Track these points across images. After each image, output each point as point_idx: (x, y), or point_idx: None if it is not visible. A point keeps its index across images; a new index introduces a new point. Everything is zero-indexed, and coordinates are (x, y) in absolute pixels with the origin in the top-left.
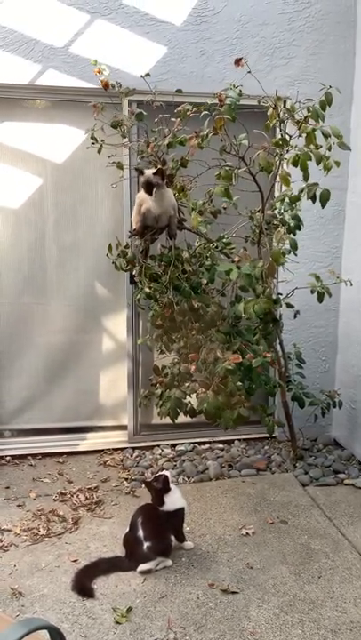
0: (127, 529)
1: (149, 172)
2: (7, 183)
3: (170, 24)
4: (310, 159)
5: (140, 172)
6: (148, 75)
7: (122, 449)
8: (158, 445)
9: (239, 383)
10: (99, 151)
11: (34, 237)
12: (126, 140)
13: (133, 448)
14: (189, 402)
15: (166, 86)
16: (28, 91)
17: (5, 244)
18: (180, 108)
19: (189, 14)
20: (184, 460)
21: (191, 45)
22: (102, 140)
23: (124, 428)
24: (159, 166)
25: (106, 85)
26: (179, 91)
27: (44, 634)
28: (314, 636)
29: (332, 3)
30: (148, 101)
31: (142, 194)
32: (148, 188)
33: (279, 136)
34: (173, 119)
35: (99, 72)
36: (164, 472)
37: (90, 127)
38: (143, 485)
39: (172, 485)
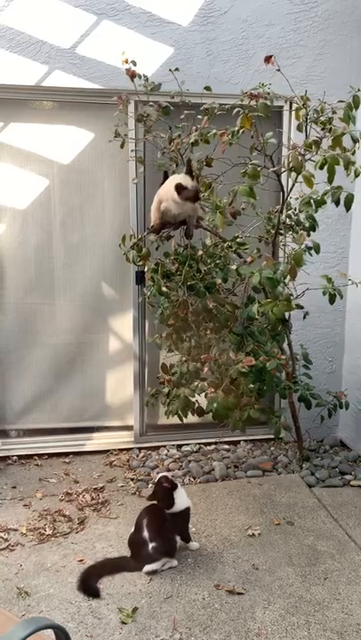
0: (133, 529)
1: (193, 183)
2: (14, 184)
3: (176, 25)
4: (338, 163)
5: (165, 175)
6: (176, 69)
7: (128, 449)
8: (164, 446)
9: (251, 385)
10: (122, 146)
11: (41, 237)
12: (149, 134)
13: (139, 448)
14: (197, 401)
15: (173, 87)
16: (35, 92)
17: (13, 243)
18: (206, 106)
19: (196, 15)
20: (190, 461)
21: (198, 46)
22: (125, 135)
23: (130, 428)
24: (193, 166)
25: (133, 75)
26: (207, 88)
27: (50, 633)
28: (320, 637)
29: (339, 2)
30: (155, 101)
31: (163, 191)
32: (195, 198)
33: (309, 137)
34: (200, 117)
35: (126, 62)
36: (162, 474)
37: (94, 132)
38: (150, 485)
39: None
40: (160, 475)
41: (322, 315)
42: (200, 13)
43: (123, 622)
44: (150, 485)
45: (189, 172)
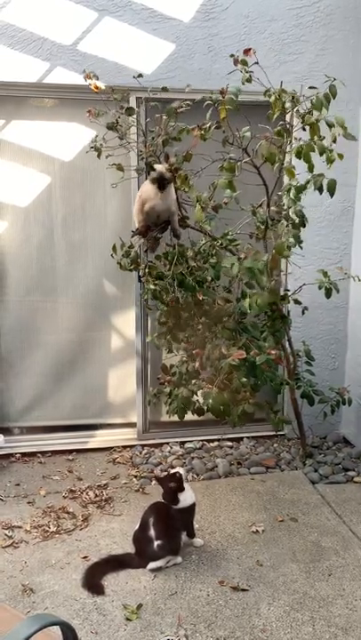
0: (137, 526)
1: (161, 166)
2: (16, 181)
3: (178, 21)
4: (314, 150)
5: (151, 167)
6: (140, 75)
7: (131, 446)
8: (167, 443)
9: (244, 379)
10: (98, 156)
11: (42, 235)
12: (124, 141)
13: (142, 445)
14: (197, 400)
15: (174, 83)
16: (37, 89)
17: (14, 241)
18: (173, 105)
19: (197, 10)
20: (193, 458)
21: (199, 42)
22: (101, 145)
23: (133, 425)
24: (171, 160)
25: (96, 89)
26: (164, 89)
27: (56, 629)
28: (325, 633)
29: None
30: (152, 98)
31: (145, 191)
32: (161, 183)
33: (292, 130)
34: (165, 116)
35: (88, 77)
36: (179, 470)
37: (96, 129)
38: (154, 482)
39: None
40: (175, 470)
41: (324, 311)
42: (202, 9)
43: (127, 619)
44: (154, 482)
45: (171, 167)
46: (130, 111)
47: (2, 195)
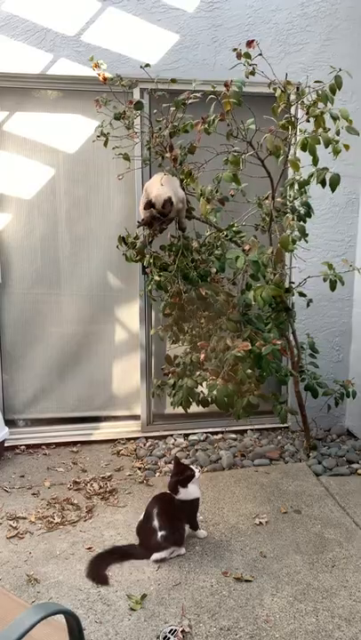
0: (141, 517)
1: (160, 199)
2: (20, 173)
3: (182, 11)
4: (319, 143)
5: (151, 204)
6: (148, 65)
7: (135, 438)
8: (171, 435)
9: (249, 371)
10: (105, 144)
11: (46, 227)
12: (131, 131)
13: (146, 437)
14: (201, 391)
15: (178, 74)
16: (40, 80)
17: (18, 234)
18: (181, 97)
19: (202, 0)
20: (197, 450)
21: (203, 32)
22: (107, 133)
23: (137, 417)
24: (175, 152)
25: (104, 79)
26: (173, 81)
27: (61, 619)
28: (328, 624)
29: None
30: (160, 89)
31: (150, 184)
32: (150, 223)
33: (297, 122)
34: (172, 108)
35: (96, 66)
36: (197, 471)
37: (100, 121)
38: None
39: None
40: (193, 467)
41: (329, 304)
42: None
43: (132, 609)
44: (158, 474)
45: (174, 160)
46: (138, 105)
47: (6, 187)
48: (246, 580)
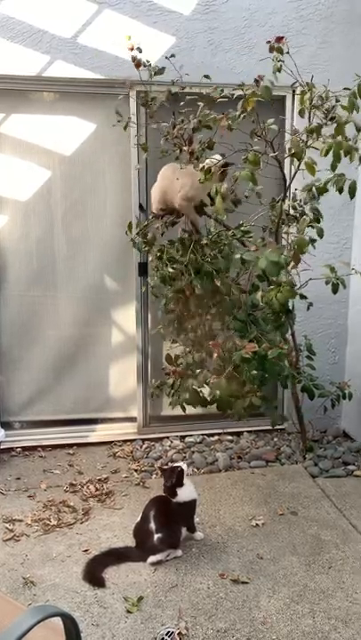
0: (138, 519)
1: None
2: (16, 175)
3: (178, 14)
4: (342, 149)
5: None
6: (172, 56)
7: (131, 440)
8: (167, 437)
9: (254, 372)
10: (125, 128)
11: (42, 229)
12: (151, 120)
13: (143, 440)
14: (201, 391)
15: (174, 76)
16: (36, 82)
17: (14, 235)
18: (210, 91)
19: (198, 3)
20: (193, 452)
21: (199, 35)
22: (128, 118)
23: (133, 419)
24: (193, 146)
25: (138, 65)
26: (206, 76)
27: (58, 621)
28: (325, 625)
29: None
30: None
31: (161, 181)
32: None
33: (311, 123)
34: (200, 103)
35: (132, 49)
36: (181, 465)
37: (96, 123)
38: (155, 475)
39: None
40: (177, 464)
41: (325, 306)
42: (202, 2)
43: (128, 611)
44: (154, 476)
45: (191, 154)
46: (174, 95)
47: (2, 189)
48: (243, 582)
